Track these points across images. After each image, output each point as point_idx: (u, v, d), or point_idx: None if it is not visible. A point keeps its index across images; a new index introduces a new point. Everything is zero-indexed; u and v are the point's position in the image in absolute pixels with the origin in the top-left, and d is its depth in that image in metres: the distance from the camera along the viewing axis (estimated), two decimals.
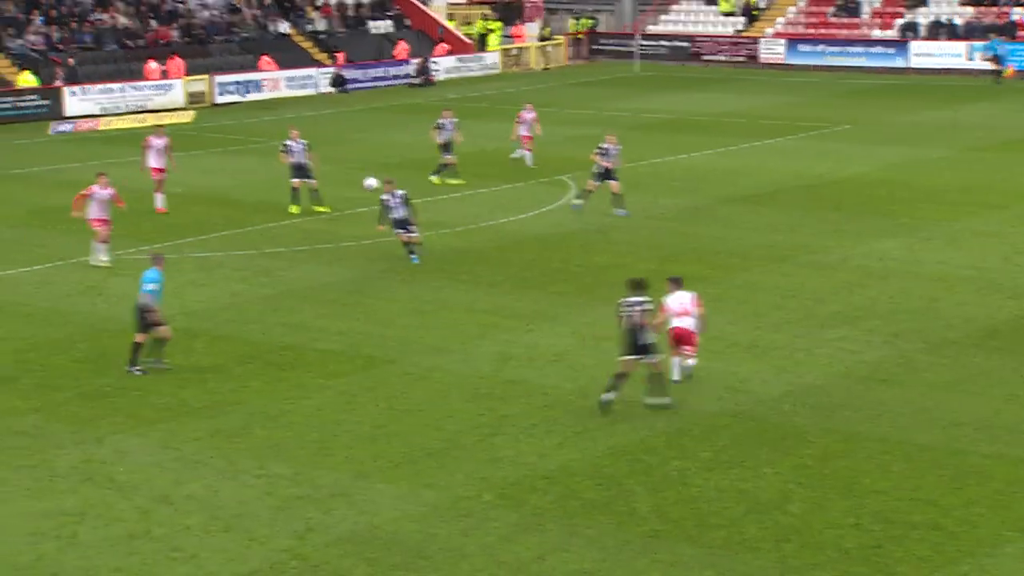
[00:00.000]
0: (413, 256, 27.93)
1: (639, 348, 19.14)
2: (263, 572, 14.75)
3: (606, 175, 32.33)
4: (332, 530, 15.74)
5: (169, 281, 26.57)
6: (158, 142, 32.66)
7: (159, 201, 32.98)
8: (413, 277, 27.29)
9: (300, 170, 33.07)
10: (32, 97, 49.65)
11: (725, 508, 16.19)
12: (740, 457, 17.75)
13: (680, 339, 20.30)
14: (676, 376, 20.43)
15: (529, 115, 39.61)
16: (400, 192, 27.86)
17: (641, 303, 19.19)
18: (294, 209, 33.04)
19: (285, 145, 33.31)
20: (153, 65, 53.29)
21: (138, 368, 20.96)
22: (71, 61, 52.13)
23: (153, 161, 32.93)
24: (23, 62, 51.89)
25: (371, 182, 27.35)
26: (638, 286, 19.38)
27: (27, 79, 50.18)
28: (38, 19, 54.23)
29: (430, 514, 16.11)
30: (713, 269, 26.72)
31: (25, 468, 17.56)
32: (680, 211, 33.47)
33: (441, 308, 25.11)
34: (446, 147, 36.58)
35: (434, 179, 36.68)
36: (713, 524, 15.77)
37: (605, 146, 32.46)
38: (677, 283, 20.62)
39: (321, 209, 33.27)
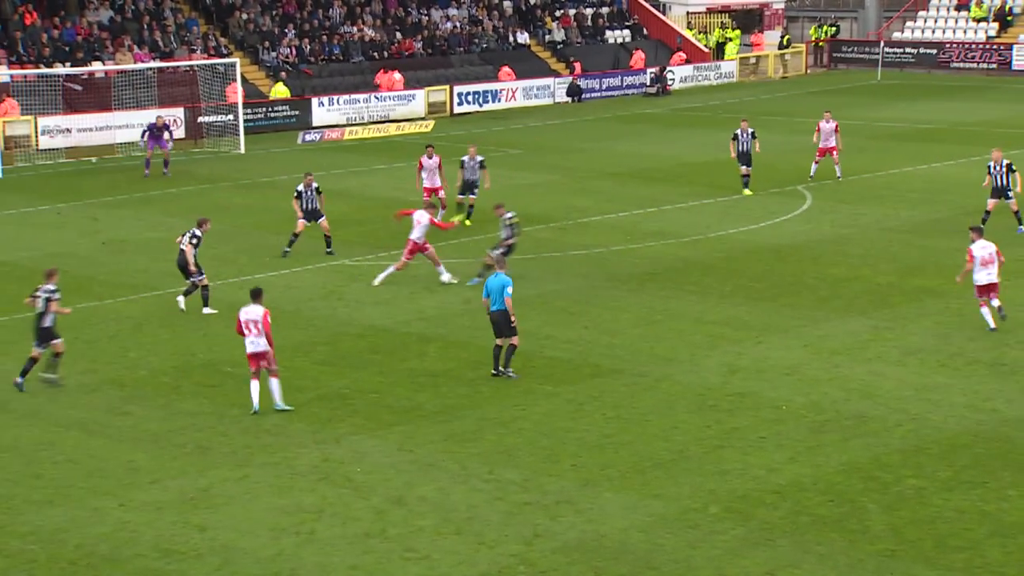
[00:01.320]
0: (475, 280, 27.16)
1: None
2: (492, 575, 14.92)
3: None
4: (560, 537, 15.80)
5: (404, 287, 27.27)
6: (430, 162, 32.96)
7: (438, 217, 33.05)
8: (641, 287, 27.20)
9: (468, 186, 32.79)
10: (283, 108, 51.55)
11: (966, 530, 15.57)
12: (982, 478, 17.04)
13: (989, 288, 22.67)
14: (992, 324, 22.71)
15: (828, 125, 37.45)
16: (508, 214, 27.29)
17: None
18: (459, 218, 32.77)
19: (461, 161, 33.04)
20: (397, 76, 54.62)
21: None
22: (308, 72, 53.96)
23: (426, 181, 33.07)
24: (276, 74, 54.02)
25: (446, 277, 26.96)
26: None
27: (280, 90, 52.10)
28: (291, 32, 56.35)
29: (657, 524, 16.01)
30: (954, 283, 25.75)
31: (268, 465, 18.24)
32: (919, 223, 32.40)
33: (669, 318, 24.94)
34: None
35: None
36: (953, 546, 15.19)
37: None
38: (979, 232, 22.88)
39: (461, 219, 32.69)
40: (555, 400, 20.59)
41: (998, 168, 30.52)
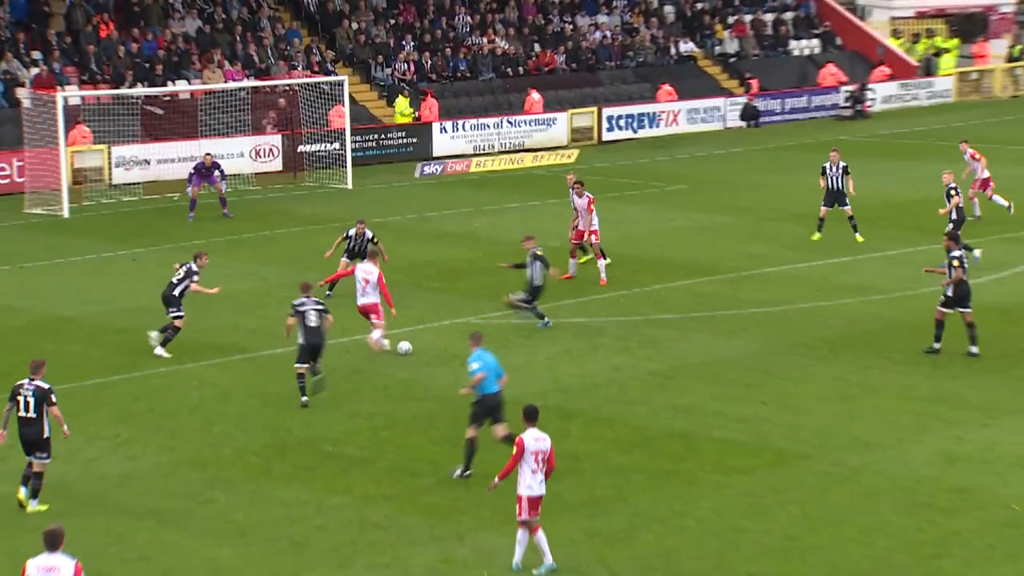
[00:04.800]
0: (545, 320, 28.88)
1: None
2: None
3: None
4: None
5: (542, 352, 27.25)
6: (580, 202, 33.13)
7: (571, 268, 33.13)
8: (834, 353, 26.83)
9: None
10: (398, 134, 52.21)
11: None
12: None
13: None
14: None
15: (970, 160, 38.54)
16: (539, 251, 28.46)
17: None
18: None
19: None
20: (536, 96, 55.04)
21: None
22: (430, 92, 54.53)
23: (581, 224, 33.15)
24: (390, 94, 54.78)
25: (405, 346, 27.20)
26: None
27: (404, 112, 52.68)
28: (409, 44, 57.06)
29: None
30: None
31: (376, 567, 18.29)
32: None
33: (869, 392, 24.59)
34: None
35: (859, 237, 36.07)
36: None
37: None
38: None
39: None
40: (726, 493, 20.37)
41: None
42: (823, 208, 36.43)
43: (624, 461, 21.69)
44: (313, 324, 24.52)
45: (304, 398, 24.40)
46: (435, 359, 27.00)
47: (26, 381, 20.10)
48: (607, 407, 24.24)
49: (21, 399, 19.99)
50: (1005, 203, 38.51)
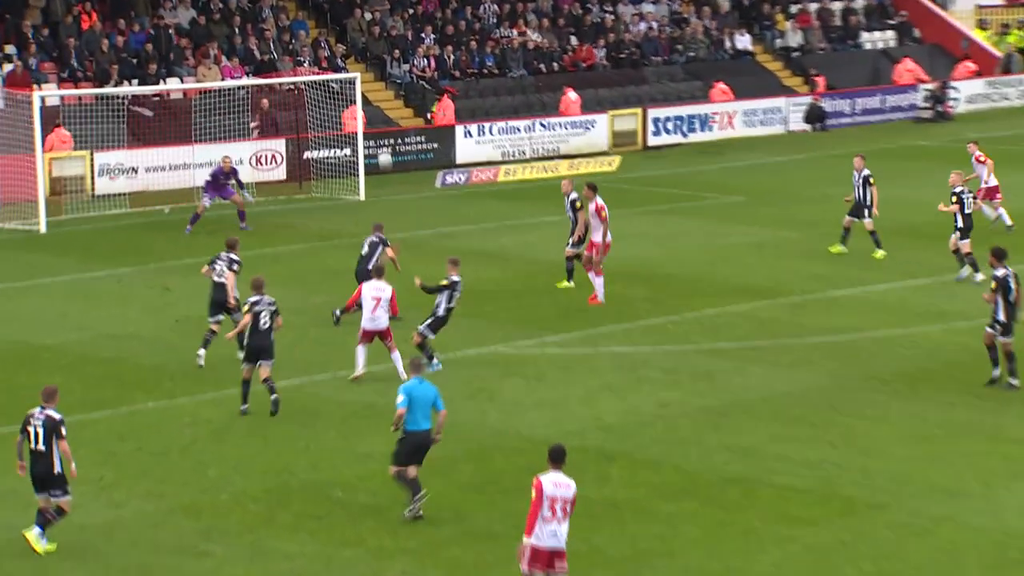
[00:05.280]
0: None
1: None
2: None
3: None
4: None
5: (579, 385, 27.25)
6: (589, 208, 33.19)
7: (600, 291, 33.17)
8: (912, 389, 26.78)
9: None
10: (417, 139, 52.24)
11: None
12: None
13: None
14: None
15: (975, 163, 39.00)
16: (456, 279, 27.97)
17: None
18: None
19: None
20: (572, 96, 55.07)
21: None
22: (452, 90, 54.67)
23: (596, 236, 33.11)
24: (407, 93, 54.91)
25: (385, 159, 27.58)
26: None
27: (447, 107, 52.65)
28: (430, 37, 57.18)
29: None
30: None
31: None
32: None
33: (952, 434, 24.53)
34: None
35: (879, 253, 36.59)
36: None
37: None
38: None
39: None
40: (790, 547, 20.33)
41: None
42: (847, 218, 36.85)
43: (672, 510, 21.65)
44: (264, 326, 25.62)
45: (244, 405, 25.79)
46: (458, 394, 26.91)
47: (37, 410, 20.32)
48: (653, 448, 24.21)
49: (31, 429, 20.21)
50: (1009, 222, 38.44)
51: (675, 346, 29.81)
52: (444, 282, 27.96)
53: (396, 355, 27.41)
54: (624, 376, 27.97)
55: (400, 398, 21.27)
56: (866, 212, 36.63)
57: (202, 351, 28.50)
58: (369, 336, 27.41)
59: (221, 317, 28.51)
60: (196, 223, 41.07)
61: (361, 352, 27.42)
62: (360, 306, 28.18)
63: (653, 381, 27.60)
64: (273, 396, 25.65)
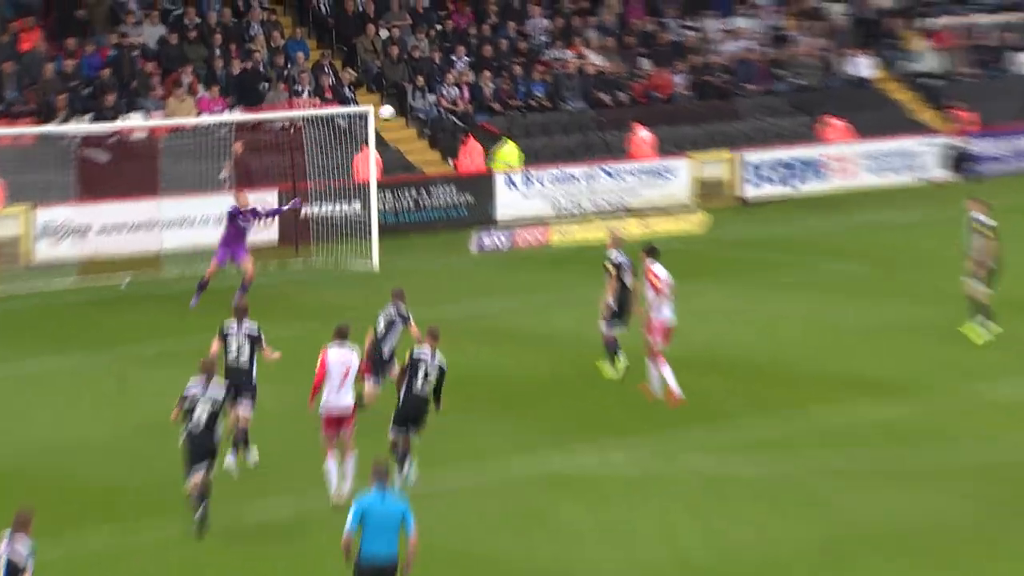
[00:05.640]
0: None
1: None
2: None
3: None
4: None
5: (653, 506, 26.98)
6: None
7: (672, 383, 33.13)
8: None
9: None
10: (446, 189, 52.30)
11: None
12: None
13: None
14: None
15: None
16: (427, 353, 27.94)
17: None
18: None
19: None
20: (644, 135, 55.09)
21: None
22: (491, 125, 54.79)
23: (655, 313, 33.29)
24: (434, 131, 54.96)
25: (386, 110, 27.64)
26: None
27: (507, 155, 52.73)
28: (462, 60, 57.09)
29: None
30: None
31: None
32: None
33: None
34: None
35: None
36: None
37: None
38: None
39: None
40: None
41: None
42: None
43: None
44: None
45: (229, 458, 26.51)
46: (501, 520, 26.81)
47: (6, 539, 20.47)
48: None
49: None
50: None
51: (776, 459, 29.55)
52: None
53: (351, 460, 27.17)
54: (711, 499, 27.74)
55: (349, 518, 20.81)
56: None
57: (232, 457, 28.52)
58: (334, 426, 27.21)
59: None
60: (203, 291, 41.16)
61: (332, 465, 27.18)
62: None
63: (747, 504, 27.37)
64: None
